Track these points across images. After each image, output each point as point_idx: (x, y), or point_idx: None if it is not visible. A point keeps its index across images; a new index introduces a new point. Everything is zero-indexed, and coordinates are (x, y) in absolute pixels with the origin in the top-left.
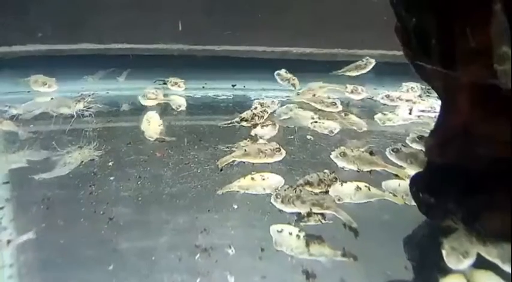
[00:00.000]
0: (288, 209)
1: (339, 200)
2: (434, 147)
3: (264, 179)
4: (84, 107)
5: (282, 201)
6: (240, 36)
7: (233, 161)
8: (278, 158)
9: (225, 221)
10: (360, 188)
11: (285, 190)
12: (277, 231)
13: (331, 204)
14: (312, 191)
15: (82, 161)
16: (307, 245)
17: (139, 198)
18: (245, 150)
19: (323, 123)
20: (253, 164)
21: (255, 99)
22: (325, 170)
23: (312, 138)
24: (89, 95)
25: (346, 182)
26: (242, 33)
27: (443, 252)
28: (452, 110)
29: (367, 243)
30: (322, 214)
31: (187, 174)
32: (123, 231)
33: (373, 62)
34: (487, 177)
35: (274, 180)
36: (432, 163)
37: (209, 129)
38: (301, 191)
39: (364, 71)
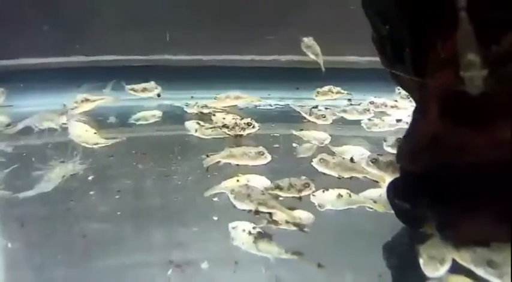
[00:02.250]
0: (239, 205)
1: (320, 207)
2: (405, 155)
3: (248, 181)
4: (67, 120)
5: (235, 198)
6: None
7: (218, 162)
8: (262, 161)
9: (203, 233)
10: (342, 195)
11: (239, 187)
12: (232, 227)
13: (275, 204)
14: (269, 193)
15: (64, 176)
16: (255, 241)
17: (118, 213)
18: (230, 151)
19: (309, 132)
20: (237, 165)
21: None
22: (303, 177)
23: (298, 146)
24: (72, 108)
25: (327, 189)
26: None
27: (421, 260)
28: (422, 118)
29: (345, 251)
30: (270, 213)
31: (168, 186)
32: (97, 249)
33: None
34: (459, 184)
35: (259, 183)
36: (405, 170)
37: (195, 139)
38: (252, 190)
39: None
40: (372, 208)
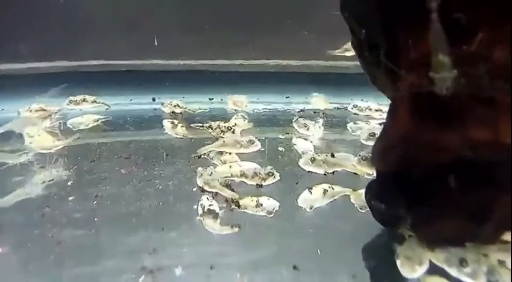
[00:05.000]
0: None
1: (310, 208)
2: (376, 155)
3: (240, 166)
4: (50, 124)
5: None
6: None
7: (210, 152)
8: (254, 148)
9: (180, 238)
10: (327, 190)
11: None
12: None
13: (216, 184)
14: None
15: (43, 182)
16: (201, 216)
17: (95, 219)
18: (224, 141)
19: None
20: (229, 153)
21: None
22: (269, 166)
23: (284, 150)
24: (55, 112)
25: (311, 188)
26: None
27: (398, 262)
28: (394, 119)
29: (321, 251)
30: (215, 193)
31: (149, 191)
32: (71, 256)
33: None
34: (430, 184)
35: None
36: (380, 170)
37: (178, 143)
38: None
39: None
40: (353, 209)
